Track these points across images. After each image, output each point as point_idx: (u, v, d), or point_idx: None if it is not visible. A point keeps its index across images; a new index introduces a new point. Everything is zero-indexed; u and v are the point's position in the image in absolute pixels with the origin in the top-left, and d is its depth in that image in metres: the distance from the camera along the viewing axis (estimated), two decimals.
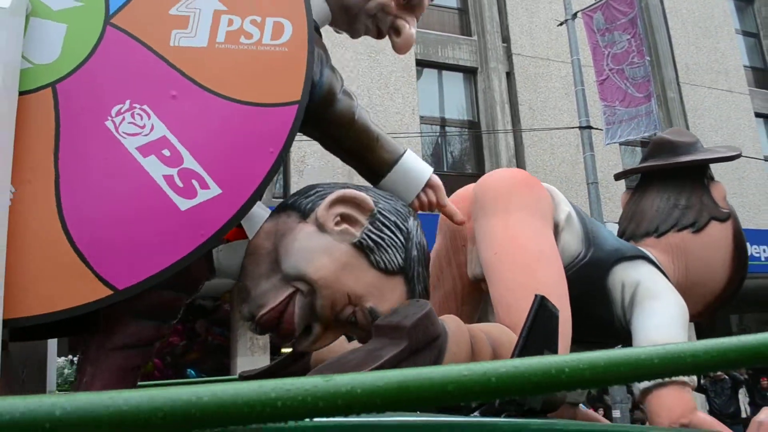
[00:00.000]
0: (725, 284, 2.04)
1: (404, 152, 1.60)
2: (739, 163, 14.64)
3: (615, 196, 12.20)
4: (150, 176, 1.30)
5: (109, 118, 1.32)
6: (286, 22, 1.45)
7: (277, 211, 1.42)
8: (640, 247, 1.95)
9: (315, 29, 1.50)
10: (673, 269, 1.97)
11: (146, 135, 1.31)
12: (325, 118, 1.47)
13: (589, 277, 1.76)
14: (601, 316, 1.83)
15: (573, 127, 12.12)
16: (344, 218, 1.34)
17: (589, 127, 10.58)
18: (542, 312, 1.16)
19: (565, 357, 0.50)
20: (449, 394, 0.45)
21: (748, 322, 17.52)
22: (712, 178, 2.10)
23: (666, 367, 0.51)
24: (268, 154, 1.30)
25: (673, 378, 1.45)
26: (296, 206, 1.39)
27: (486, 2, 13.79)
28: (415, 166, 1.62)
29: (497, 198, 1.70)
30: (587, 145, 10.70)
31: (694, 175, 2.08)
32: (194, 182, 1.30)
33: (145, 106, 1.33)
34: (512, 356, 1.17)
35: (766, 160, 16.05)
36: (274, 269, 1.32)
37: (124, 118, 1.31)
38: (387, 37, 1.72)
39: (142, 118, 1.31)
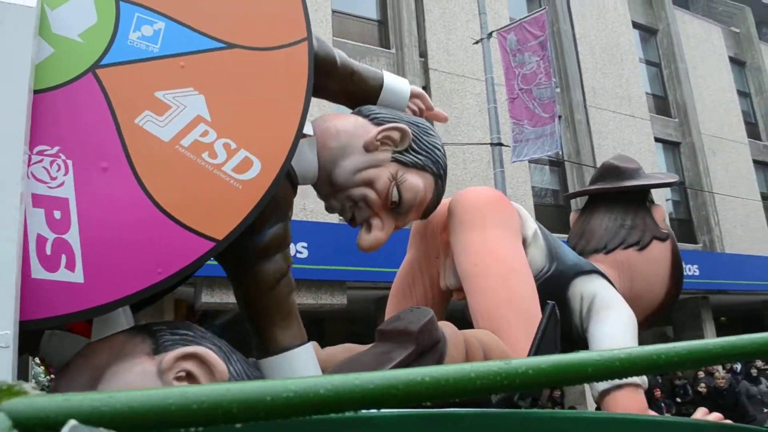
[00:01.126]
0: (663, 298, 2.23)
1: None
2: None
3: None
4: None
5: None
6: (257, 161, 1.44)
7: (138, 329, 1.30)
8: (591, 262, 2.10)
9: (291, 181, 1.52)
10: (619, 283, 2.12)
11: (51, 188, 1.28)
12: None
13: (552, 289, 1.87)
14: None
15: (484, 144, 12.53)
16: (188, 375, 1.20)
17: (500, 144, 10.97)
18: (553, 318, 1.28)
19: (569, 356, 0.59)
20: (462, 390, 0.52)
21: (644, 335, 18.48)
22: (652, 201, 2.30)
23: (625, 369, 0.61)
24: (156, 274, 1.28)
25: (628, 380, 1.59)
26: (156, 337, 1.28)
27: (405, 16, 14.07)
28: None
29: (474, 214, 1.79)
30: (498, 162, 11.09)
31: (638, 199, 2.27)
32: (63, 257, 1.26)
33: (69, 162, 1.30)
34: (528, 356, 1.28)
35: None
36: (91, 385, 1.21)
37: (42, 161, 1.28)
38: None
39: (59, 169, 1.28)
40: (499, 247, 1.71)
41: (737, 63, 20.50)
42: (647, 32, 18.94)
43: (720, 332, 16.89)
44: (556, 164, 16.07)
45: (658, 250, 2.22)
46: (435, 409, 0.86)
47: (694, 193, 17.66)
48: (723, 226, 17.42)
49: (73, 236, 1.25)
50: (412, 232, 2.05)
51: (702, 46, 19.46)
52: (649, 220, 2.24)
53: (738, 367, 13.32)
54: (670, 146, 18.36)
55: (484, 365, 0.52)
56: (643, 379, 1.71)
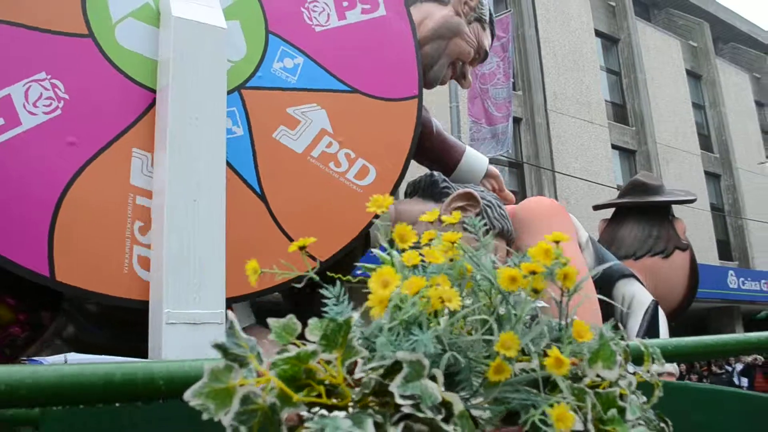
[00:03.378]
0: (680, 301, 2.74)
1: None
2: (595, 189, 16.30)
3: None
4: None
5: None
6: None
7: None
8: None
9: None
10: (645, 286, 2.47)
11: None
12: None
13: (600, 290, 2.17)
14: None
15: None
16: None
17: None
18: (655, 312, 1.69)
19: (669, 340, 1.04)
20: None
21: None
22: (674, 216, 2.82)
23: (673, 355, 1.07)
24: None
25: (666, 367, 1.86)
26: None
27: None
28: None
29: (541, 220, 2.22)
30: None
31: (663, 212, 2.79)
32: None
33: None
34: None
35: (618, 189, 17.81)
36: None
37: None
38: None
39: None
40: (565, 251, 2.16)
41: (693, 76, 21.46)
42: (609, 41, 19.69)
43: None
44: (516, 166, 16.67)
45: (680, 258, 2.75)
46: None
47: None
48: None
49: None
50: None
51: (661, 58, 20.32)
52: (672, 231, 2.78)
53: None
54: (626, 153, 19.13)
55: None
56: (675, 368, 1.98)
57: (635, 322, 2.21)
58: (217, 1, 1.78)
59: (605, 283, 2.29)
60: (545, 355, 0.57)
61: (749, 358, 13.83)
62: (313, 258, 1.73)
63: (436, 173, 2.16)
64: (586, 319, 2.01)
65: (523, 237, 2.23)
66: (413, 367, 0.45)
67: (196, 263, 1.52)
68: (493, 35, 2.43)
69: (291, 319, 0.48)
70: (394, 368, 0.46)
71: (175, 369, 0.71)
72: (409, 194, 2.17)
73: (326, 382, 0.44)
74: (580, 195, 16.66)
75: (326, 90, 1.89)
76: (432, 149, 2.22)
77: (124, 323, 1.68)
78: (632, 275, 2.40)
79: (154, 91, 1.69)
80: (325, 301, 0.56)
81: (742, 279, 18.09)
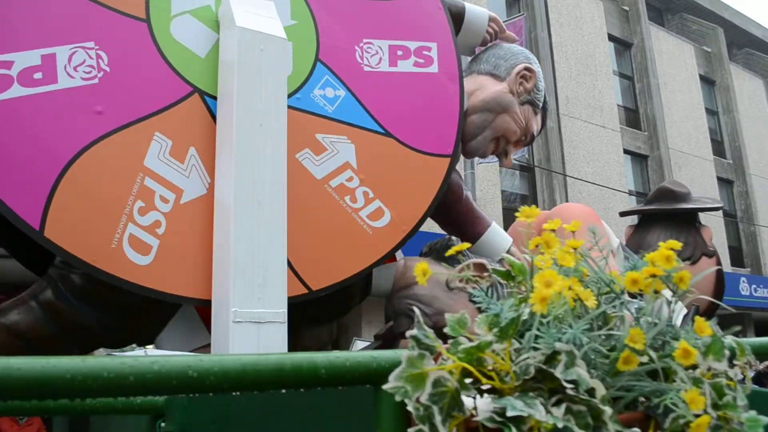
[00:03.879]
0: (706, 306, 2.82)
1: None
2: (606, 194, 16.35)
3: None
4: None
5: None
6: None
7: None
8: None
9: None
10: None
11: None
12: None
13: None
14: None
15: None
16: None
17: None
18: (696, 315, 1.82)
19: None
20: None
21: None
22: (700, 223, 2.90)
23: None
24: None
25: None
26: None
27: None
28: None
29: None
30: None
31: (689, 219, 2.87)
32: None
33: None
34: None
35: (629, 194, 17.84)
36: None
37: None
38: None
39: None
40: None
41: (707, 81, 21.47)
42: (622, 45, 19.71)
43: None
44: (527, 170, 16.72)
45: (706, 264, 2.83)
46: None
47: None
48: None
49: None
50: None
51: (674, 63, 20.34)
52: (699, 238, 2.87)
53: None
54: (639, 158, 19.15)
55: None
56: None
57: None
58: (275, 11, 1.86)
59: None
60: (662, 348, 0.64)
61: (761, 366, 13.85)
62: (304, 284, 1.80)
63: (454, 238, 2.23)
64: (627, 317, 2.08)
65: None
66: (569, 356, 0.52)
67: (261, 264, 1.60)
68: (544, 123, 2.48)
69: (463, 314, 0.55)
70: (551, 357, 0.53)
71: (335, 360, 0.76)
72: (423, 254, 2.25)
73: (495, 368, 0.52)
74: (591, 199, 16.68)
75: (360, 127, 1.96)
76: (457, 215, 2.23)
77: (108, 302, 1.74)
78: None
79: (192, 86, 1.78)
80: (475, 299, 0.63)
81: (754, 286, 18.08)
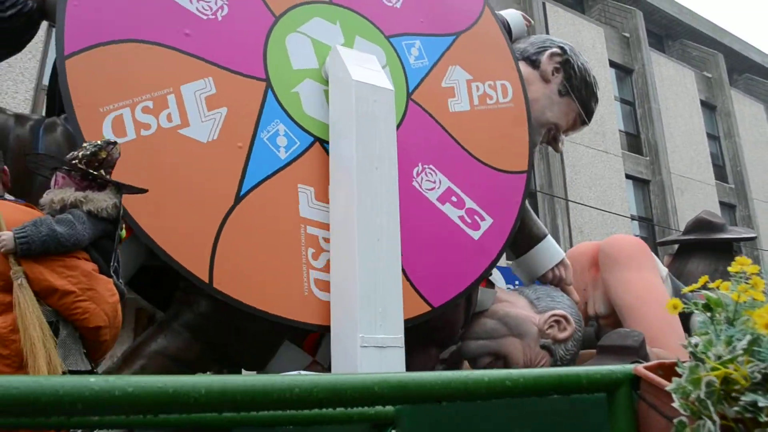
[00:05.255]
0: None
1: (547, 235, 2.56)
2: (608, 219, 16.60)
3: None
4: (449, 218, 2.15)
5: (413, 179, 2.09)
6: (508, 84, 2.25)
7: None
8: None
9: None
10: None
11: (438, 188, 2.14)
12: None
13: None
14: None
15: None
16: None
17: None
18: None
19: None
20: None
21: None
22: (737, 251, 3.15)
23: None
24: (515, 204, 2.16)
25: None
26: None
27: None
28: (553, 247, 2.55)
29: (630, 257, 2.61)
30: None
31: (726, 248, 3.12)
32: (476, 217, 2.13)
33: (431, 166, 2.16)
34: None
35: (632, 219, 18.10)
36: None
37: (422, 178, 2.13)
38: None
39: (434, 175, 2.14)
40: (653, 285, 2.52)
41: (708, 107, 21.91)
42: (623, 71, 20.11)
43: None
44: (529, 195, 16.88)
45: None
46: None
47: (661, 231, 18.74)
48: None
49: (470, 203, 2.25)
50: None
51: (675, 88, 20.76)
52: None
53: None
54: (641, 183, 19.43)
55: None
56: None
57: None
58: (378, 64, 2.09)
59: (684, 314, 2.65)
60: None
61: None
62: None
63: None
64: (673, 343, 2.32)
65: (610, 270, 2.55)
66: None
67: (381, 294, 1.81)
68: (596, 101, 2.76)
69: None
70: None
71: (523, 375, 0.98)
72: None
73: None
74: (593, 225, 16.94)
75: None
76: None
77: (232, 328, 1.95)
78: None
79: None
80: (700, 324, 0.85)
81: None
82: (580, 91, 2.71)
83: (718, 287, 0.90)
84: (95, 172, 1.78)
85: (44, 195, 1.84)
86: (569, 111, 2.69)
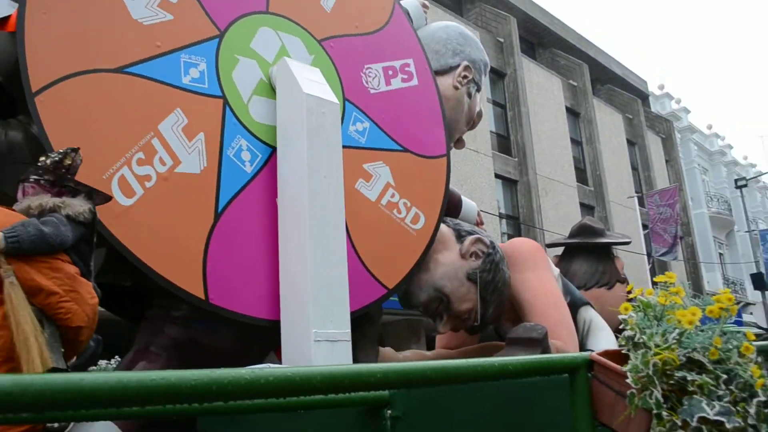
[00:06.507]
0: (617, 326, 3.48)
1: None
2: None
3: None
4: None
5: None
6: (422, 215, 2.49)
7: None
8: None
9: None
10: None
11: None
12: None
13: None
14: None
15: None
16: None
17: None
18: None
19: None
20: None
21: None
22: (614, 254, 3.58)
23: None
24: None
25: None
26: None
27: None
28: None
29: (528, 258, 2.91)
30: None
31: (606, 251, 3.54)
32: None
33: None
34: None
35: (500, 217, 19.09)
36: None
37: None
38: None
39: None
40: (549, 283, 2.84)
41: (572, 113, 23.44)
42: (497, 75, 21.06)
43: None
44: None
45: (620, 289, 3.56)
46: None
47: (527, 229, 19.86)
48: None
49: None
50: None
51: (543, 94, 22.04)
52: (614, 267, 3.61)
53: None
54: (509, 183, 20.46)
55: None
56: None
57: (597, 339, 3.00)
58: (322, 76, 2.30)
59: (571, 309, 3.05)
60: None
61: None
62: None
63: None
64: (565, 334, 2.74)
65: (514, 271, 2.92)
66: (701, 352, 1.06)
67: (330, 292, 2.02)
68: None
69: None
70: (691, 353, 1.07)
71: (499, 361, 1.25)
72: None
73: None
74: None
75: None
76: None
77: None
78: (589, 303, 3.18)
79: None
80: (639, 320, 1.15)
81: None
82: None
83: (642, 293, 1.21)
84: (69, 177, 1.87)
85: (17, 204, 1.91)
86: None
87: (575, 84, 23.73)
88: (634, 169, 26.20)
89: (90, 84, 1.93)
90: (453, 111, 3.00)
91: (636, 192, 24.48)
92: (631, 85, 28.04)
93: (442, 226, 2.74)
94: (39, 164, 1.88)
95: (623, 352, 1.16)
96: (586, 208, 22.92)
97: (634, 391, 1.04)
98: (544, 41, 24.44)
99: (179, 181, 1.99)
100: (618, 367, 1.10)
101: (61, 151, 1.86)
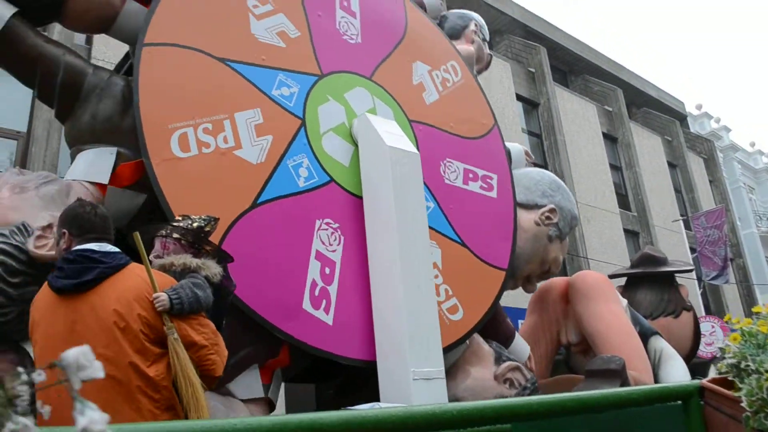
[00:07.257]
0: (688, 352, 3.57)
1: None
2: None
3: None
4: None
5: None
6: (461, 309, 2.59)
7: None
8: None
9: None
10: None
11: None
12: None
13: None
14: None
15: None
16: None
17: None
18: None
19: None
20: None
21: None
22: (677, 282, 3.70)
23: None
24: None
25: None
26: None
27: None
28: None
29: (598, 291, 3.03)
30: None
31: (669, 280, 3.66)
32: (323, 301, 2.55)
33: (342, 237, 2.57)
34: None
35: None
36: None
37: (327, 229, 2.56)
38: None
39: (336, 240, 2.55)
40: (620, 315, 2.96)
41: (610, 138, 23.43)
42: (530, 105, 21.23)
43: None
44: None
45: (686, 318, 3.69)
46: None
47: (570, 258, 19.73)
48: None
49: (333, 289, 2.34)
50: (531, 303, 3.31)
51: (579, 121, 22.10)
52: (678, 295, 3.74)
53: None
54: None
55: None
56: None
57: (668, 368, 3.10)
58: (399, 128, 2.48)
59: (641, 339, 3.13)
60: None
61: None
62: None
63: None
64: (641, 364, 2.87)
65: (581, 302, 3.02)
66: None
67: (425, 332, 2.16)
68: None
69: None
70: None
71: (613, 393, 1.37)
72: None
73: None
74: None
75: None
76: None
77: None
78: (658, 333, 3.26)
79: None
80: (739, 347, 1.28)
81: None
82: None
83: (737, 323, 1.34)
84: (208, 241, 2.20)
85: (157, 258, 2.16)
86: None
87: (610, 109, 23.76)
88: (677, 191, 25.97)
89: (191, 60, 2.27)
90: (527, 243, 3.09)
91: (681, 215, 24.26)
92: (667, 106, 27.97)
93: (485, 345, 2.79)
94: (184, 225, 2.15)
95: (729, 378, 1.28)
96: (631, 234, 22.74)
97: (749, 413, 1.16)
98: (575, 68, 24.58)
99: (234, 161, 2.26)
100: (729, 393, 1.21)
101: (205, 218, 2.14)
